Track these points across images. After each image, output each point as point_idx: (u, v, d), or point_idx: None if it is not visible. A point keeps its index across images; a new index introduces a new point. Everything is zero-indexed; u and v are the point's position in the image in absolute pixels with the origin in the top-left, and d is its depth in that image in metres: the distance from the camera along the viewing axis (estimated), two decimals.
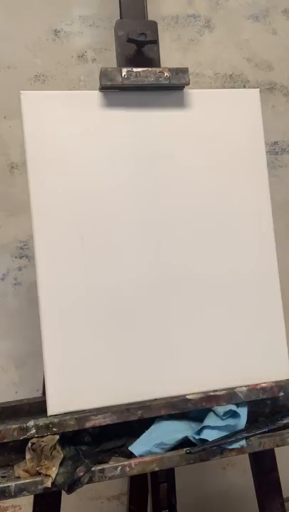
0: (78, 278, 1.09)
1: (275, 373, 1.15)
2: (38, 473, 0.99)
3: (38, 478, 0.98)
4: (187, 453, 1.02)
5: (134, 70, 1.12)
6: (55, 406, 1.04)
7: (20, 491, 0.97)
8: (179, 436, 1.06)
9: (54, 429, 1.00)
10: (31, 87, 1.62)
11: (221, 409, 1.07)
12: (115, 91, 1.14)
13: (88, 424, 1.02)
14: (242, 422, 1.08)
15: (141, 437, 1.06)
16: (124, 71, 1.11)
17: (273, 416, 1.15)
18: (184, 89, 1.18)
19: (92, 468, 1.01)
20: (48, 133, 1.11)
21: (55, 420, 1.01)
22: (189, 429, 1.07)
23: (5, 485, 0.96)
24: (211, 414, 1.08)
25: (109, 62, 1.58)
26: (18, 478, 0.99)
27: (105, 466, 1.01)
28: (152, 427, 1.08)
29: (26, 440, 1.00)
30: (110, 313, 1.10)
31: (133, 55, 1.21)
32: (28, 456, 1.00)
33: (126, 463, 1.02)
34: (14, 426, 1.00)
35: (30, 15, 1.63)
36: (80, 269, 1.09)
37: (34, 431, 1.00)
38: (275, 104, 1.82)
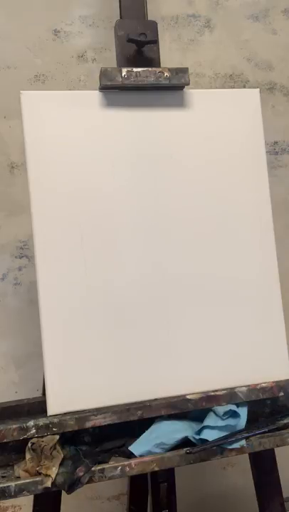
0: (78, 278, 1.09)
1: (275, 373, 1.15)
2: (38, 473, 0.99)
3: (38, 478, 0.98)
4: (187, 453, 1.02)
5: (134, 70, 1.12)
6: (55, 406, 1.04)
7: (20, 491, 0.97)
8: (179, 436, 1.05)
9: (54, 429, 1.00)
10: (31, 87, 1.62)
11: (221, 409, 1.07)
12: (115, 91, 1.14)
13: (88, 424, 1.02)
14: (242, 422, 1.08)
15: (141, 437, 1.06)
16: (124, 71, 1.11)
17: (273, 416, 1.15)
18: (184, 89, 1.18)
19: (92, 468, 1.00)
20: (48, 133, 1.11)
21: (55, 420, 1.01)
22: (189, 429, 1.07)
23: (5, 485, 0.96)
24: (211, 414, 1.08)
25: (109, 62, 1.58)
26: (18, 478, 0.99)
27: (105, 466, 1.01)
28: (152, 427, 1.08)
29: (26, 440, 1.00)
30: (110, 313, 1.10)
31: (133, 55, 1.21)
32: (28, 456, 1.00)
33: (126, 463, 1.02)
34: (14, 426, 1.00)
35: (30, 15, 1.63)
36: (80, 269, 1.09)
37: (34, 431, 1.00)
38: (275, 104, 1.82)
